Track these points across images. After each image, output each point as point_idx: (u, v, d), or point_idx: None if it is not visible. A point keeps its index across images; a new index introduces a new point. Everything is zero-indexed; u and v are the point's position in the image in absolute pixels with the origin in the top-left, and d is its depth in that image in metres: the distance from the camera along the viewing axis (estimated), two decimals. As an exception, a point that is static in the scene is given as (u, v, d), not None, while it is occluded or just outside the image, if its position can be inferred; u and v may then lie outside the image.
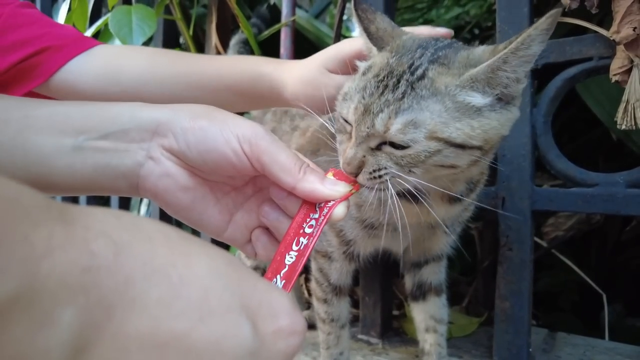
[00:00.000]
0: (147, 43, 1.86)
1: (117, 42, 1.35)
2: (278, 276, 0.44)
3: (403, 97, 0.52)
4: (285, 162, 0.44)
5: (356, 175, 0.54)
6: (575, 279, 1.38)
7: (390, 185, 0.54)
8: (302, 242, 0.45)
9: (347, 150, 0.55)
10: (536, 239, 1.37)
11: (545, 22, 0.49)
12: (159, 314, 0.26)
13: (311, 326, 0.95)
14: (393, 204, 0.54)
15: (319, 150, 0.87)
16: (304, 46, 1.51)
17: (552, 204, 0.86)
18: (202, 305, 0.28)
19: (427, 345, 0.84)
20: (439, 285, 0.87)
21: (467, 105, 0.52)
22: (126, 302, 0.25)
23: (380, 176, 0.54)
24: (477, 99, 0.53)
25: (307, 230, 0.46)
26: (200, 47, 1.51)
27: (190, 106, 0.47)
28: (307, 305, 1.08)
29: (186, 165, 0.46)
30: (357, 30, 0.67)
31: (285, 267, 0.44)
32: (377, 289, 1.06)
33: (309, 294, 0.95)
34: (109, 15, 1.24)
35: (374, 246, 0.80)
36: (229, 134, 0.44)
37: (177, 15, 1.46)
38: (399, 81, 0.54)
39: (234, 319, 0.29)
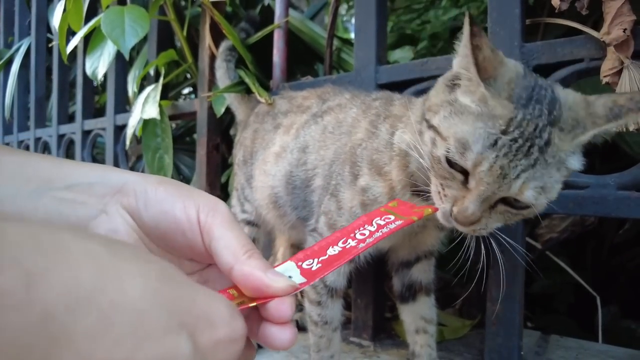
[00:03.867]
0: (141, 43, 1.87)
1: (109, 43, 1.35)
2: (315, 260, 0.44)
3: (535, 164, 0.55)
4: (232, 240, 0.41)
5: (467, 226, 0.58)
6: (571, 281, 1.38)
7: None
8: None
9: (466, 204, 0.57)
10: (531, 241, 1.37)
11: None
12: (88, 348, 0.24)
13: (302, 328, 0.94)
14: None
15: (308, 147, 0.87)
16: (299, 48, 1.50)
17: (543, 206, 0.85)
18: (137, 331, 0.26)
19: (418, 347, 0.84)
20: (428, 285, 0.86)
21: (571, 169, 0.58)
22: (45, 341, 0.22)
23: (480, 230, 0.59)
24: (578, 162, 0.58)
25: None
26: (195, 48, 1.50)
27: (160, 177, 0.47)
28: (300, 307, 1.07)
29: (137, 228, 0.44)
30: (458, 58, 0.62)
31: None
32: (370, 291, 1.05)
33: (302, 296, 0.95)
34: (101, 15, 1.23)
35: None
36: (190, 203, 0.43)
37: (171, 16, 1.46)
38: (531, 146, 0.55)
39: (172, 340, 0.28)
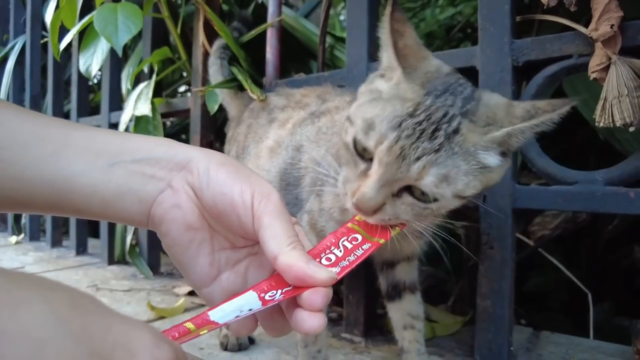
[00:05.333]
0: (136, 41, 1.87)
1: (103, 40, 1.35)
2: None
3: (440, 149, 0.53)
4: (279, 230, 0.44)
5: (370, 215, 0.54)
6: (565, 278, 1.38)
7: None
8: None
9: (363, 189, 0.54)
10: (523, 238, 1.37)
11: (564, 109, 0.54)
12: None
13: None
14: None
15: (302, 146, 0.87)
16: (293, 45, 1.50)
17: (533, 202, 0.86)
18: None
19: (406, 343, 0.84)
20: (412, 284, 0.86)
21: (484, 165, 0.56)
22: None
23: (391, 222, 0.55)
24: (493, 160, 0.56)
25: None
26: (189, 46, 1.50)
27: (222, 154, 0.49)
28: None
29: (199, 203, 0.47)
30: (383, 50, 0.61)
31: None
32: (361, 287, 1.05)
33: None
34: (94, 12, 1.23)
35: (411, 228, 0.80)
36: (247, 186, 0.45)
37: (165, 13, 1.46)
38: (436, 130, 0.53)
39: None
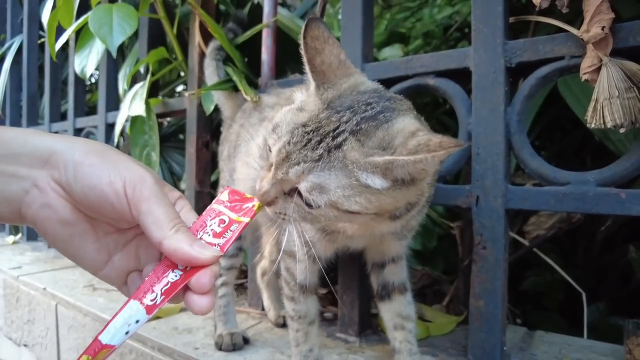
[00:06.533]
0: (132, 41, 1.87)
1: (98, 40, 1.35)
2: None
3: (319, 159, 0.56)
4: (160, 215, 0.44)
5: (267, 206, 0.58)
6: (561, 278, 1.38)
7: (293, 222, 0.59)
8: (156, 295, 0.44)
9: (263, 183, 0.59)
10: (518, 237, 1.37)
11: (441, 155, 0.52)
12: None
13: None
14: (298, 234, 0.60)
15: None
16: (289, 45, 1.50)
17: (525, 203, 0.86)
18: None
19: (397, 343, 0.84)
20: (401, 285, 0.87)
21: (367, 185, 0.56)
22: None
23: (284, 218, 0.60)
24: (376, 182, 0.56)
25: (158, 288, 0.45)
26: (185, 46, 1.50)
27: (86, 141, 0.48)
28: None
29: (70, 199, 0.46)
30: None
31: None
32: (355, 287, 1.06)
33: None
34: (89, 13, 1.23)
35: (333, 249, 0.82)
36: (116, 176, 0.45)
37: (161, 14, 1.46)
38: (320, 141, 0.56)
39: None
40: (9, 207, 0.46)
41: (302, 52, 0.62)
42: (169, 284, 0.44)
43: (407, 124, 0.59)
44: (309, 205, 0.57)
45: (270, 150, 0.60)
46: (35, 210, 0.46)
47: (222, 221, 0.51)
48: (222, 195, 0.55)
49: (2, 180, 0.45)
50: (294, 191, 0.58)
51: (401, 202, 0.62)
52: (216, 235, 0.49)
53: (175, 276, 0.45)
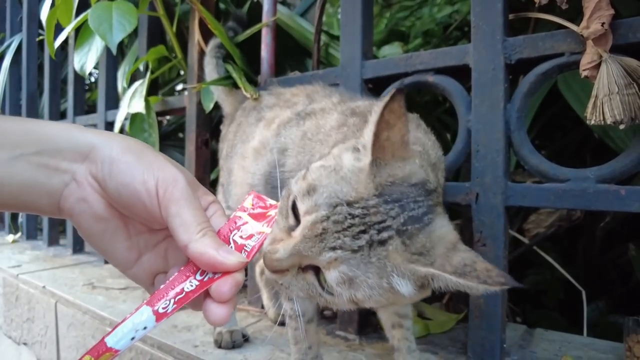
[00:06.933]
0: (132, 39, 1.87)
1: (97, 38, 1.35)
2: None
3: (358, 251, 0.50)
4: (188, 218, 0.44)
5: (272, 272, 0.53)
6: (561, 277, 1.38)
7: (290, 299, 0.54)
8: (169, 304, 0.43)
9: (278, 247, 0.52)
10: (518, 235, 1.37)
11: (494, 288, 0.48)
12: None
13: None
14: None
15: (287, 150, 0.86)
16: (288, 43, 1.51)
17: (525, 200, 0.86)
18: None
19: (396, 342, 0.84)
20: None
21: (396, 290, 0.52)
22: None
23: (284, 292, 0.54)
24: (406, 289, 0.52)
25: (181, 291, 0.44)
26: (185, 44, 1.50)
27: (125, 137, 0.48)
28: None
29: (105, 195, 0.46)
30: (367, 133, 0.56)
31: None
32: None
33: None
34: (89, 10, 1.23)
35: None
36: (150, 175, 0.45)
37: (160, 11, 1.46)
38: (363, 232, 0.51)
39: None
40: (49, 199, 0.46)
41: (374, 123, 0.54)
42: (183, 292, 0.44)
43: (446, 232, 0.55)
44: (325, 290, 0.52)
45: (295, 212, 0.54)
46: (72, 203, 0.46)
47: (245, 231, 0.50)
48: (246, 201, 0.54)
49: (46, 174, 0.45)
50: (311, 269, 0.52)
51: (413, 301, 0.57)
52: (238, 247, 0.48)
53: (191, 285, 0.44)
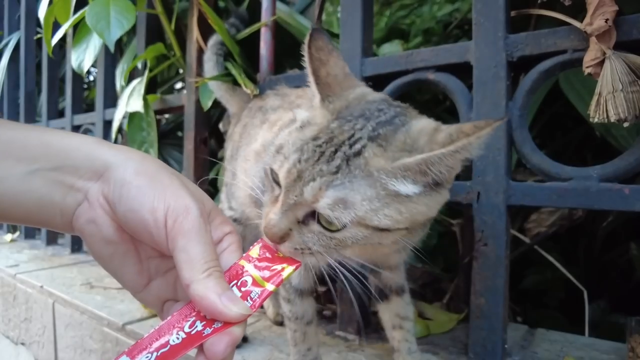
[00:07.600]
0: (130, 37, 1.85)
1: (95, 35, 1.34)
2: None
3: (337, 171, 0.49)
4: (194, 254, 0.40)
5: (278, 243, 0.51)
6: (562, 276, 1.37)
7: (318, 255, 0.52)
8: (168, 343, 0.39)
9: (270, 215, 0.51)
10: (520, 235, 1.36)
11: (486, 133, 0.49)
12: None
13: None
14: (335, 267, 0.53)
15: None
16: (287, 41, 1.49)
17: (527, 199, 0.85)
18: None
19: (396, 342, 0.84)
20: (399, 287, 0.85)
21: (397, 193, 0.50)
22: None
23: (306, 252, 0.51)
24: (408, 188, 0.50)
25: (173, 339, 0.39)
26: (183, 42, 1.49)
27: (144, 157, 0.45)
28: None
29: (115, 217, 0.44)
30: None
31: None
32: (354, 285, 1.04)
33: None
34: (86, 8, 1.22)
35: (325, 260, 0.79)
36: (160, 202, 0.42)
37: (158, 9, 1.45)
38: (335, 152, 0.51)
39: None
40: (63, 218, 0.45)
41: (306, 63, 0.58)
42: (168, 346, 0.39)
43: (425, 124, 0.54)
44: (331, 228, 0.50)
45: (275, 178, 0.53)
46: (82, 224, 0.45)
47: (244, 283, 0.45)
48: (253, 250, 0.50)
49: (61, 191, 0.44)
50: (310, 216, 0.51)
51: (433, 211, 0.56)
52: (242, 296, 0.44)
53: (178, 339, 0.39)
